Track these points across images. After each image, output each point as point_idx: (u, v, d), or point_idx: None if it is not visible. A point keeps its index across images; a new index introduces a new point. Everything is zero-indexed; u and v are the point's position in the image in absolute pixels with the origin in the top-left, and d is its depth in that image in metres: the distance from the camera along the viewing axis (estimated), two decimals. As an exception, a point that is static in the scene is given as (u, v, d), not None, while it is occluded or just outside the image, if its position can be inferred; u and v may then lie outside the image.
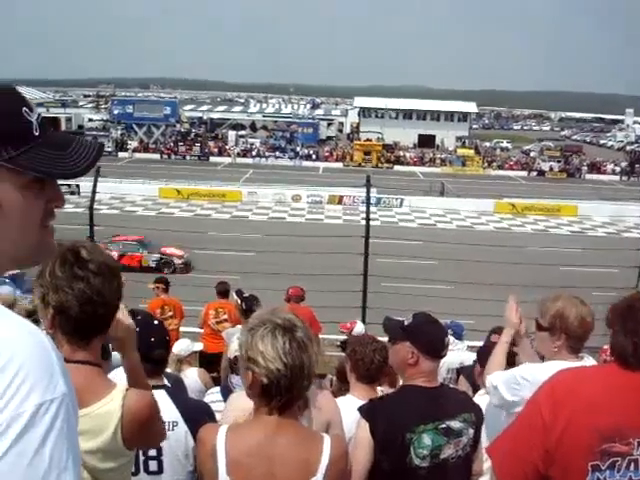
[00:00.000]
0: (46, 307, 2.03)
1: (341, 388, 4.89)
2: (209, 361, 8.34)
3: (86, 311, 2.00)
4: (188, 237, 24.81)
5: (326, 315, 9.95)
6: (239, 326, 7.64)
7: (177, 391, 3.41)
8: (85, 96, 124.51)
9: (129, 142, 66.66)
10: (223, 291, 9.83)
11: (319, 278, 15.60)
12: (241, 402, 2.74)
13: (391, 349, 3.21)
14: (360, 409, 3.05)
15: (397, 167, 65.14)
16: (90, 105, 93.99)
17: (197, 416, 3.10)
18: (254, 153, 68.02)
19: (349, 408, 3.43)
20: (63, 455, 0.98)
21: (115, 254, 24.96)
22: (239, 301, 7.79)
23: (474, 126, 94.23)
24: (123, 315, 2.21)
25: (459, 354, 6.23)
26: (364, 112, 78.01)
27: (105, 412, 2.05)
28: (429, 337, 3.05)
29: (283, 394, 2.09)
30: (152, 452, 3.01)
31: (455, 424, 2.99)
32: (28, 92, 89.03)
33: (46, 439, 0.96)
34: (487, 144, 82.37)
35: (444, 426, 2.96)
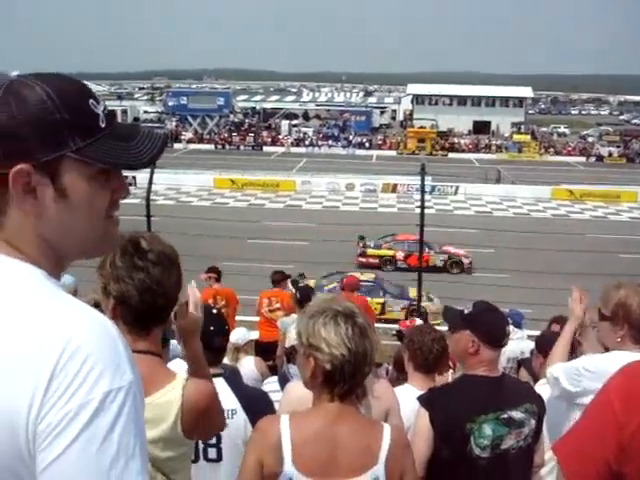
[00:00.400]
0: (107, 297, 2.07)
1: (399, 378, 4.87)
2: (264, 349, 8.40)
3: (146, 301, 2.03)
4: (242, 227, 25.04)
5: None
6: (294, 315, 7.69)
7: (235, 379, 3.43)
8: (140, 88, 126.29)
9: (183, 133, 67.45)
10: (278, 280, 9.88)
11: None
12: (297, 391, 2.74)
13: (451, 338, 3.18)
14: (420, 398, 3.03)
15: (451, 154, 64.42)
16: (145, 97, 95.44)
17: (256, 404, 3.12)
18: (307, 142, 68.19)
19: (407, 398, 3.40)
20: (131, 442, 1.00)
21: (401, 254, 24.91)
22: (294, 291, 7.83)
23: (530, 111, 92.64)
24: (193, 306, 2.21)
25: (519, 343, 6.14)
26: (417, 99, 77.31)
27: (166, 401, 2.07)
28: (490, 326, 3.01)
29: (347, 380, 2.10)
30: (211, 440, 3.03)
31: (517, 414, 2.94)
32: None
33: (114, 426, 0.98)
34: (544, 129, 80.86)
35: (505, 416, 2.91)
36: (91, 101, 1.14)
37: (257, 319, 10.24)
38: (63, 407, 0.96)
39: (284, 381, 4.09)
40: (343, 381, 2.09)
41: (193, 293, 2.21)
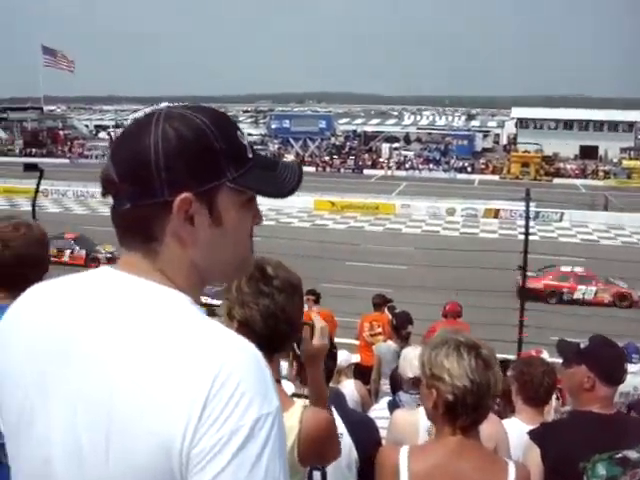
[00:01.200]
0: (231, 321, 2.11)
1: (506, 410, 4.75)
2: (363, 373, 8.38)
3: (270, 326, 2.06)
4: (341, 249, 25.13)
5: (481, 332, 9.73)
6: (390, 342, 7.66)
7: (341, 403, 3.44)
8: (244, 112, 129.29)
9: (286, 155, 68.57)
10: (379, 304, 9.86)
11: (474, 293, 15.30)
12: (404, 419, 2.72)
13: (565, 373, 3.09)
14: (531, 433, 2.94)
15: (557, 180, 62.63)
16: (249, 120, 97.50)
17: (362, 429, 3.11)
18: (407, 165, 67.98)
19: (515, 431, 3.32)
20: (277, 467, 1.02)
21: None
22: (390, 316, 7.81)
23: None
24: (320, 332, 2.19)
25: (634, 377, 5.88)
26: (522, 123, 75.75)
27: (285, 428, 2.10)
28: (607, 362, 2.90)
29: (469, 413, 2.08)
30: (316, 463, 3.05)
31: (632, 454, 2.81)
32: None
33: (262, 452, 1.00)
34: (655, 155, 77.43)
35: (620, 456, 2.79)
36: (238, 132, 1.19)
37: (355, 342, 10.26)
38: (216, 433, 0.98)
39: (394, 408, 4.06)
40: (465, 413, 2.08)
41: (318, 320, 2.22)
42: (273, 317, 2.05)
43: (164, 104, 1.25)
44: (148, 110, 1.20)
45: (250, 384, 1.02)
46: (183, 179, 1.11)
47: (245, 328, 2.06)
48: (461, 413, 2.09)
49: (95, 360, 1.06)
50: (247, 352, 1.08)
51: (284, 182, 1.23)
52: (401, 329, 7.52)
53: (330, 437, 2.22)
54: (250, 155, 1.20)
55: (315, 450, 2.15)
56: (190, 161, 1.11)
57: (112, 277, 1.15)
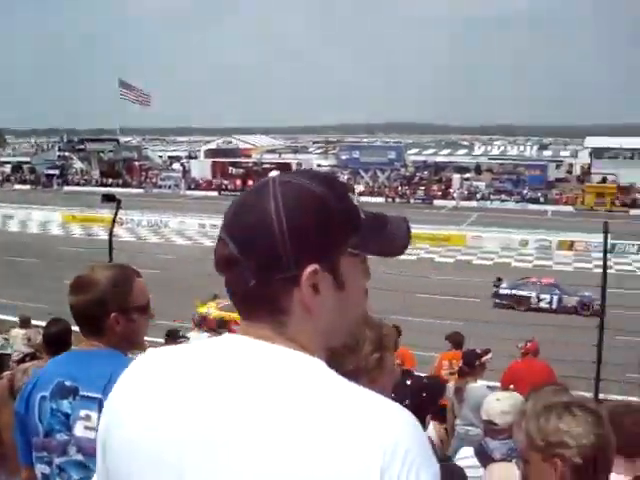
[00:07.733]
0: None
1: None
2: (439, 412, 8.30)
3: None
4: (411, 281, 24.92)
5: (558, 370, 9.49)
6: (480, 381, 7.58)
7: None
8: (314, 142, 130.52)
9: (355, 186, 68.72)
10: (457, 342, 9.71)
11: (549, 329, 14.95)
12: (502, 472, 2.66)
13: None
14: None
15: (633, 210, 60.87)
16: (319, 151, 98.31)
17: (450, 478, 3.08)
18: (479, 196, 67.31)
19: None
20: None
21: None
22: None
23: None
24: None
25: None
26: (596, 152, 73.96)
27: None
28: None
29: (600, 470, 1.92)
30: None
31: None
32: (261, 140, 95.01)
33: None
34: None
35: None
36: (350, 195, 1.17)
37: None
38: None
39: (483, 456, 3.97)
40: (595, 473, 1.90)
41: None
42: None
43: (274, 173, 1.22)
44: (260, 182, 1.17)
45: (418, 452, 0.97)
46: (309, 251, 1.09)
47: None
48: (592, 474, 1.90)
49: (247, 453, 0.99)
50: (408, 416, 1.01)
51: (395, 240, 1.22)
52: (468, 367, 7.54)
53: None
54: (362, 216, 1.17)
55: None
56: (315, 232, 1.09)
57: (249, 347, 1.10)
